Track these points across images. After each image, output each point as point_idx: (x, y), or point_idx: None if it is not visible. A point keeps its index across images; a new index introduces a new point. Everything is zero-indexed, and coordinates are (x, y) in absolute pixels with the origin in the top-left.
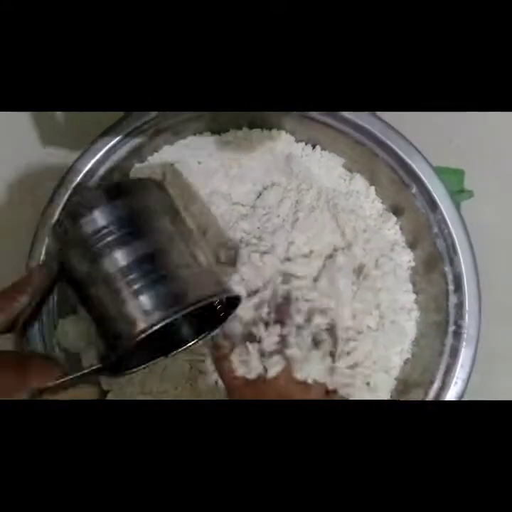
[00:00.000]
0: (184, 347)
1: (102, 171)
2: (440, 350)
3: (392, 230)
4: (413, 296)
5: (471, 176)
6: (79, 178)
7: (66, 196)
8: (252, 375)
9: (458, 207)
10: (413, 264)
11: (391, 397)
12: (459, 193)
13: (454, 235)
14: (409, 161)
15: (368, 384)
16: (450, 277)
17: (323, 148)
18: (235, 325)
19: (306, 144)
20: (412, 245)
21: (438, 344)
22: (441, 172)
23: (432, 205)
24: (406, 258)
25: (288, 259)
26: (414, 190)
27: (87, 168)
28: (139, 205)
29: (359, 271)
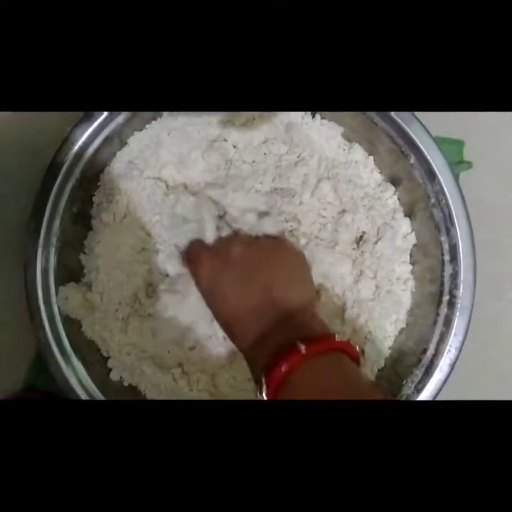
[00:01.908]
0: None
1: (99, 139)
2: (434, 320)
3: (390, 199)
4: (410, 267)
5: (470, 147)
6: (76, 148)
7: (64, 167)
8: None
9: (457, 178)
10: (412, 234)
11: (386, 365)
12: (458, 164)
13: (452, 206)
14: (409, 131)
15: (362, 352)
16: (446, 247)
17: (322, 117)
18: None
19: (305, 113)
20: (409, 216)
21: (432, 314)
22: (440, 142)
23: (430, 175)
24: (405, 228)
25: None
26: (412, 160)
27: (84, 138)
28: None
29: (360, 238)
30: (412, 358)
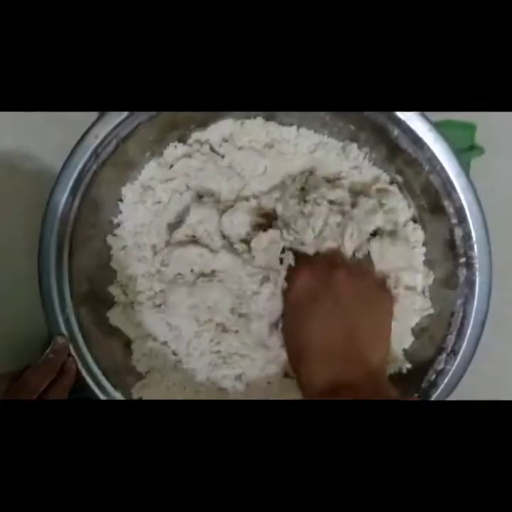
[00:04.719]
0: None
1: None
2: (456, 283)
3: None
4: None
5: (482, 131)
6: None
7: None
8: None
9: (467, 165)
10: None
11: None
12: (468, 150)
13: (447, 168)
14: None
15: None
16: (451, 211)
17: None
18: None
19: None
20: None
21: (453, 278)
22: (449, 126)
23: (418, 142)
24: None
25: None
26: (396, 132)
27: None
28: None
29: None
30: (440, 323)
